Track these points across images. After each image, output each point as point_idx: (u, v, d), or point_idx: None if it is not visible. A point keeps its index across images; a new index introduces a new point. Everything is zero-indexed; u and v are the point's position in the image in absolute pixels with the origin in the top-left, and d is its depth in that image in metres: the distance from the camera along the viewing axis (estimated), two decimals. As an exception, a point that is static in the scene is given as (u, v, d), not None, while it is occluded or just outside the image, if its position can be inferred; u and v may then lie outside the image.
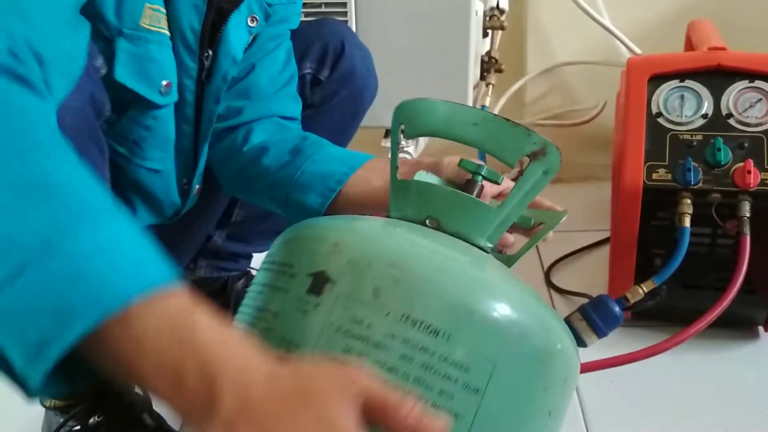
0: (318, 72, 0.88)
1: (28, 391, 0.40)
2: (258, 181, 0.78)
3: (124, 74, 0.65)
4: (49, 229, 0.40)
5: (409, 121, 0.55)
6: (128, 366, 0.41)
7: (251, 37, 0.76)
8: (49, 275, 0.39)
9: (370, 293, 0.44)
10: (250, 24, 0.75)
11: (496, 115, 0.56)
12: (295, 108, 0.84)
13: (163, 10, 0.67)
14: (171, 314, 0.41)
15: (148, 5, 0.66)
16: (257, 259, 0.91)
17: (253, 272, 1.02)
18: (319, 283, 0.46)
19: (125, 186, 0.73)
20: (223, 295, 1.00)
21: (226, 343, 0.42)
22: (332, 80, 0.89)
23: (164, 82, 0.69)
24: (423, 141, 1.29)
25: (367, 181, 0.71)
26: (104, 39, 0.64)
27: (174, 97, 0.71)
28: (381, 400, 0.41)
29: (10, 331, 0.39)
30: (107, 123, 0.66)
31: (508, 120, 0.54)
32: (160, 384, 0.41)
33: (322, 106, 0.90)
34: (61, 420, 0.76)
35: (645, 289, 0.74)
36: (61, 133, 0.46)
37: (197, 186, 0.80)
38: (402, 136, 0.56)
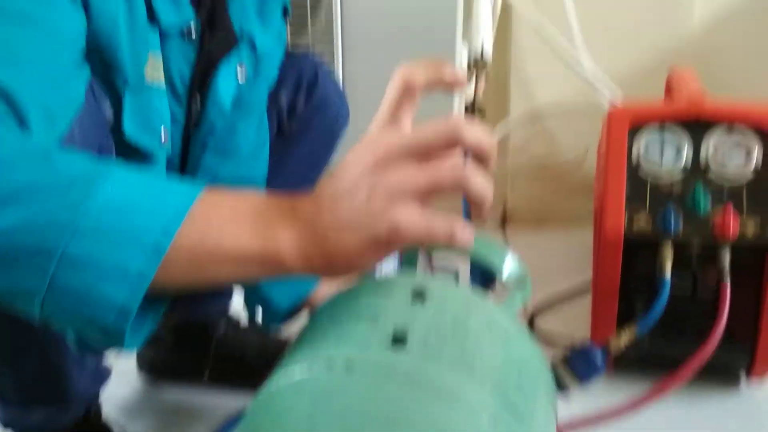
0: (294, 101, 0.90)
1: (125, 334, 0.43)
2: None
3: (131, 128, 0.66)
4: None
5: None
6: (219, 252, 0.45)
7: (238, 90, 0.77)
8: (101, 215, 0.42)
9: (462, 306, 0.57)
10: (239, 72, 0.76)
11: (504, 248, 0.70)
12: (265, 169, 0.86)
13: (161, 58, 0.68)
14: (224, 204, 0.46)
15: (151, 53, 0.66)
16: (237, 299, 0.90)
17: (234, 319, 1.01)
18: (420, 295, 0.56)
19: None
20: (203, 338, 0.98)
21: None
22: (308, 108, 0.91)
23: (163, 133, 0.69)
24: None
25: (326, 292, 0.79)
26: (113, 87, 0.64)
27: (169, 146, 0.71)
28: None
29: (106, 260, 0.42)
30: None
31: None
32: (255, 240, 0.46)
33: (298, 136, 0.91)
34: None
35: (626, 340, 0.75)
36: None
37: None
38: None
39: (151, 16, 0.65)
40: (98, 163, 0.45)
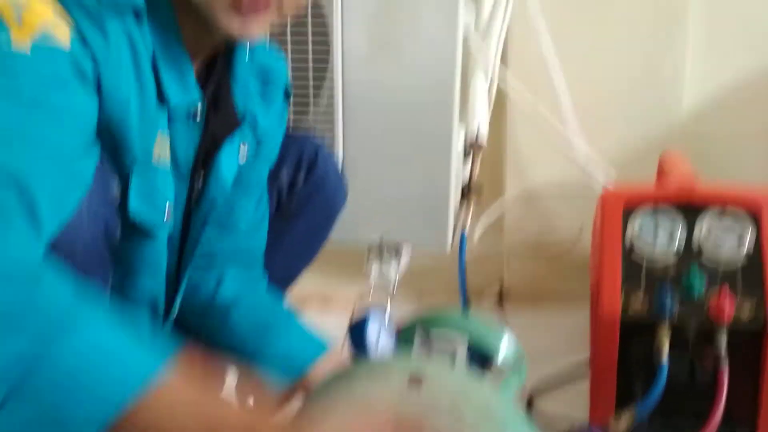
0: (294, 178, 0.92)
1: None
2: (223, 332, 0.81)
3: (137, 205, 0.67)
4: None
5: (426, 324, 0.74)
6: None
7: (239, 168, 0.79)
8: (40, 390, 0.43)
9: (460, 392, 0.56)
10: (241, 151, 0.78)
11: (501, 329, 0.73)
12: (263, 243, 0.88)
13: (168, 137, 0.70)
14: (181, 409, 0.45)
15: (160, 132, 0.68)
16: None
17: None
18: (416, 380, 0.56)
19: None
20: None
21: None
22: (307, 186, 0.92)
23: (167, 210, 0.70)
24: (405, 261, 1.30)
25: (319, 371, 0.77)
26: (122, 165, 0.65)
27: (171, 222, 0.72)
28: None
29: None
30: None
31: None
32: None
33: (296, 213, 0.93)
34: None
35: (626, 423, 0.74)
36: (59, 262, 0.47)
37: (176, 313, 0.80)
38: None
39: (161, 96, 0.67)
40: (79, 305, 0.46)
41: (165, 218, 0.70)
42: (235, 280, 0.83)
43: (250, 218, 0.85)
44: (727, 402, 0.80)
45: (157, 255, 0.73)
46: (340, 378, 0.62)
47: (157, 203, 0.69)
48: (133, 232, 0.68)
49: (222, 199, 0.78)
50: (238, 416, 0.47)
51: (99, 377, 0.44)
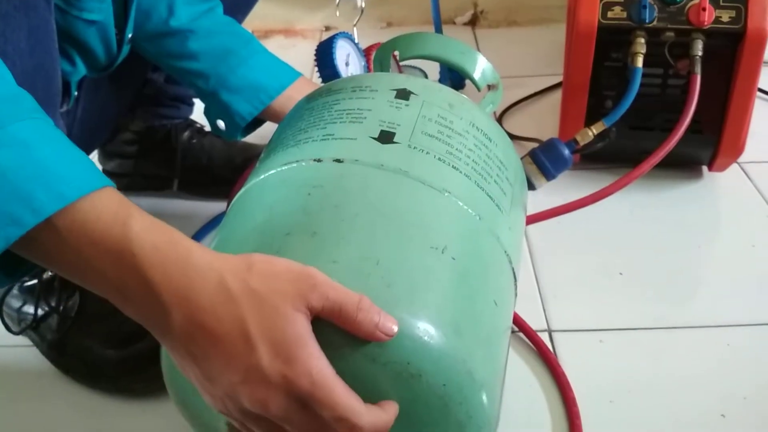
0: None
1: None
2: (182, 61, 0.77)
3: None
4: None
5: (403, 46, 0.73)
6: (71, 276, 0.41)
7: None
8: None
9: (446, 104, 0.57)
10: None
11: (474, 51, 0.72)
12: None
13: None
14: (102, 226, 0.40)
15: None
16: (199, 109, 0.87)
17: (197, 124, 0.99)
18: (404, 93, 0.57)
19: (61, 39, 0.68)
20: (167, 145, 0.97)
21: (166, 254, 0.40)
22: None
23: None
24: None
25: (290, 99, 0.73)
26: None
27: None
28: (339, 304, 0.40)
29: None
30: None
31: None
32: (109, 297, 0.41)
33: None
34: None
35: (594, 131, 0.75)
36: None
37: (130, 35, 0.75)
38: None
39: None
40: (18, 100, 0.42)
41: None
42: (188, 5, 0.78)
43: None
44: (695, 111, 0.80)
45: None
46: (320, 97, 0.60)
47: None
48: None
49: None
50: (203, 255, 0.41)
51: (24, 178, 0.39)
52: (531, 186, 0.71)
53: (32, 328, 0.73)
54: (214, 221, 0.94)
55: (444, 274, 0.45)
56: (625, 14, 0.85)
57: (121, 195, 0.43)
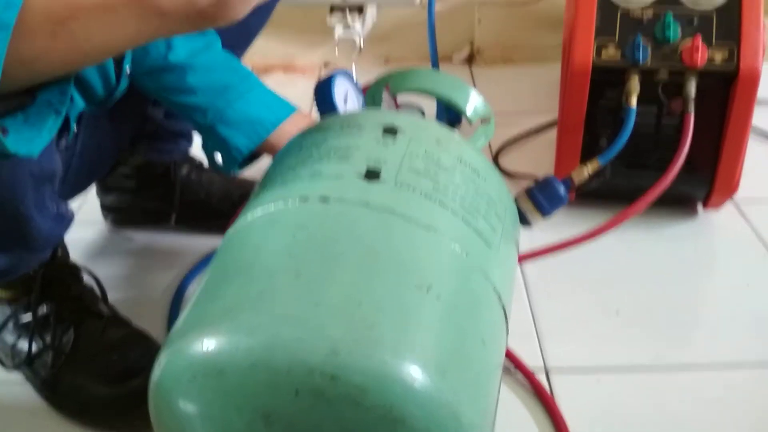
0: None
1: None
2: (180, 95, 0.78)
3: None
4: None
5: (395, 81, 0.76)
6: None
7: None
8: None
9: (434, 140, 0.58)
10: None
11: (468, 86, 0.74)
12: None
13: None
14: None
15: None
16: (197, 144, 0.88)
17: (197, 161, 1.00)
18: (391, 130, 0.58)
19: None
20: (166, 180, 0.97)
21: None
22: None
23: None
24: (370, 20, 1.24)
25: (287, 133, 0.75)
26: None
27: None
28: None
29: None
30: None
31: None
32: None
33: None
34: (9, 311, 0.75)
35: (590, 169, 0.75)
36: None
37: (128, 67, 0.76)
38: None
39: None
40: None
41: None
42: (186, 40, 0.79)
43: None
44: (690, 151, 0.81)
45: None
46: (310, 134, 0.61)
47: None
48: None
49: None
50: None
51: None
52: (526, 223, 0.71)
53: (26, 364, 0.73)
54: (211, 255, 0.94)
55: (429, 313, 0.45)
56: (619, 54, 0.86)
57: None
